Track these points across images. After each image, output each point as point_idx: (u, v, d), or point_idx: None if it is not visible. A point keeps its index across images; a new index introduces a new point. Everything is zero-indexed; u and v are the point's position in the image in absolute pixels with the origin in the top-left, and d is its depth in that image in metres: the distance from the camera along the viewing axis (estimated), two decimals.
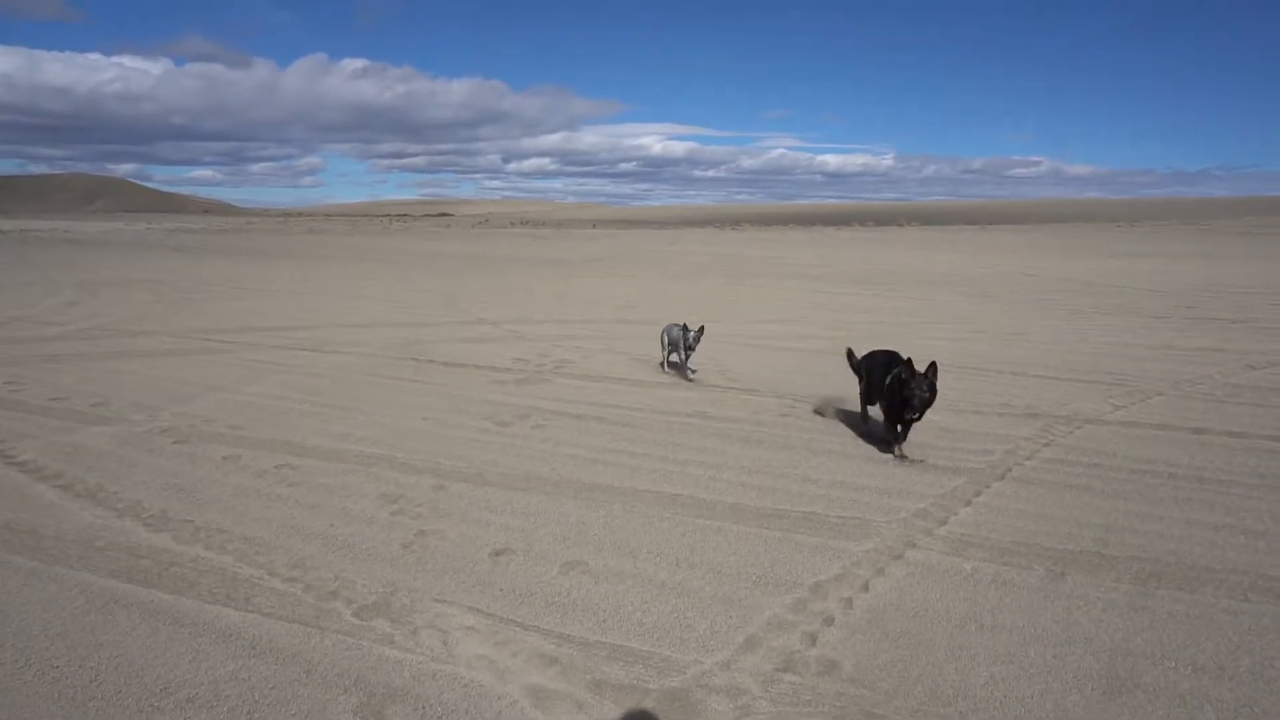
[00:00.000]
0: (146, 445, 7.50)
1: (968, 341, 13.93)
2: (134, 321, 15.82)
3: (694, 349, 10.46)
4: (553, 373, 10.91)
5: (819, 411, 9.00)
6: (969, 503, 6.24)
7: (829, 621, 4.47)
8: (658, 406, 9.11)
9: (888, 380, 7.33)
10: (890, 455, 7.36)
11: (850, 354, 8.95)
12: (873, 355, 8.20)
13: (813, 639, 4.29)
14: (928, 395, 7.02)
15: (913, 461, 7.16)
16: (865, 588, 4.86)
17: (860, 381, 8.35)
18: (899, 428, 7.38)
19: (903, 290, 22.77)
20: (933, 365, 7.08)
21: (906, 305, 19.17)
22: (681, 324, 10.87)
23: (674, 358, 10.94)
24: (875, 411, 8.05)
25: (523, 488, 6.47)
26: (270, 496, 6.24)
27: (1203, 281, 25.25)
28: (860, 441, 7.79)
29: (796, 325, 15.55)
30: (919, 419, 7.27)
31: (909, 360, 7.13)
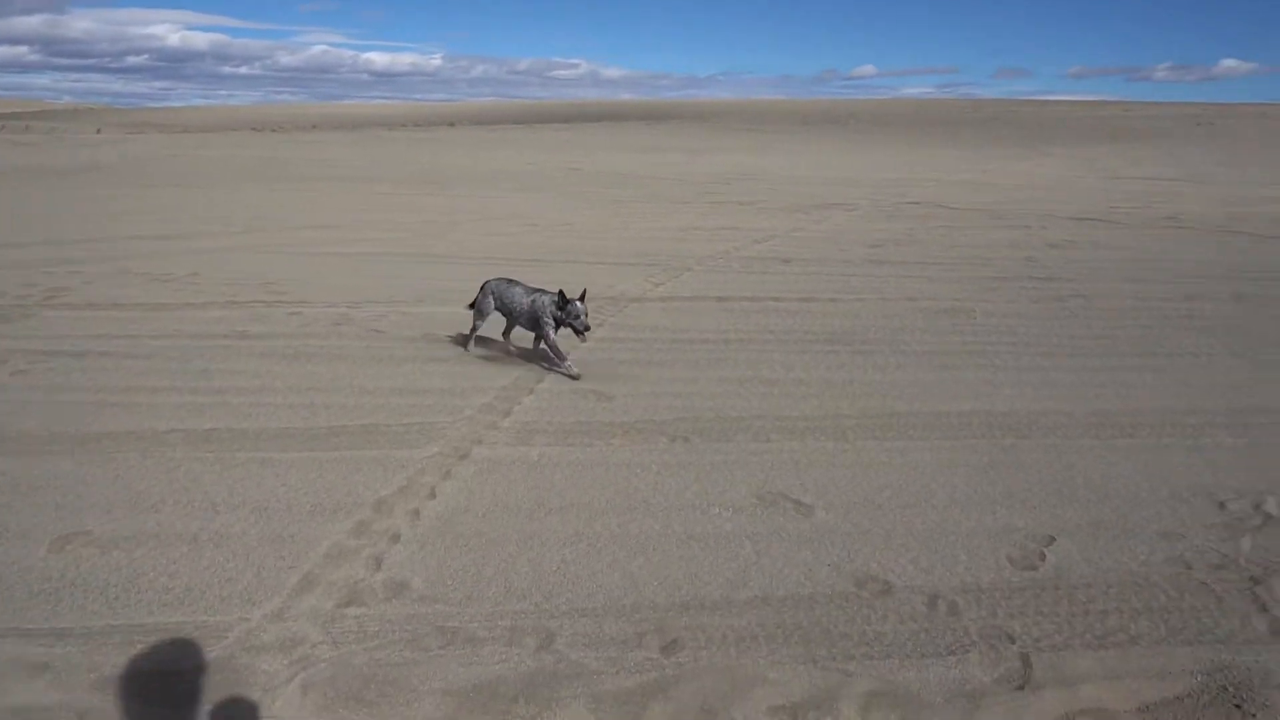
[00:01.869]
0: None
1: (522, 235, 14.16)
2: None
3: (583, 328, 6.35)
4: (41, 305, 8.83)
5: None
6: (532, 390, 6.25)
7: (395, 539, 4.12)
8: (186, 330, 7.81)
9: None
10: None
11: None
12: None
13: (378, 562, 3.92)
14: None
15: None
16: (432, 495, 4.58)
17: None
18: None
19: (456, 189, 22.53)
20: None
21: (460, 204, 18.97)
22: (549, 291, 6.54)
23: (551, 342, 6.51)
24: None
25: None
26: None
27: (717, 171, 28.67)
28: (421, 344, 7.42)
29: (348, 230, 14.52)
30: None
31: None
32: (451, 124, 69.46)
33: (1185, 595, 3.74)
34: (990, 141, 48.56)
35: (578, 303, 6.29)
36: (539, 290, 6.62)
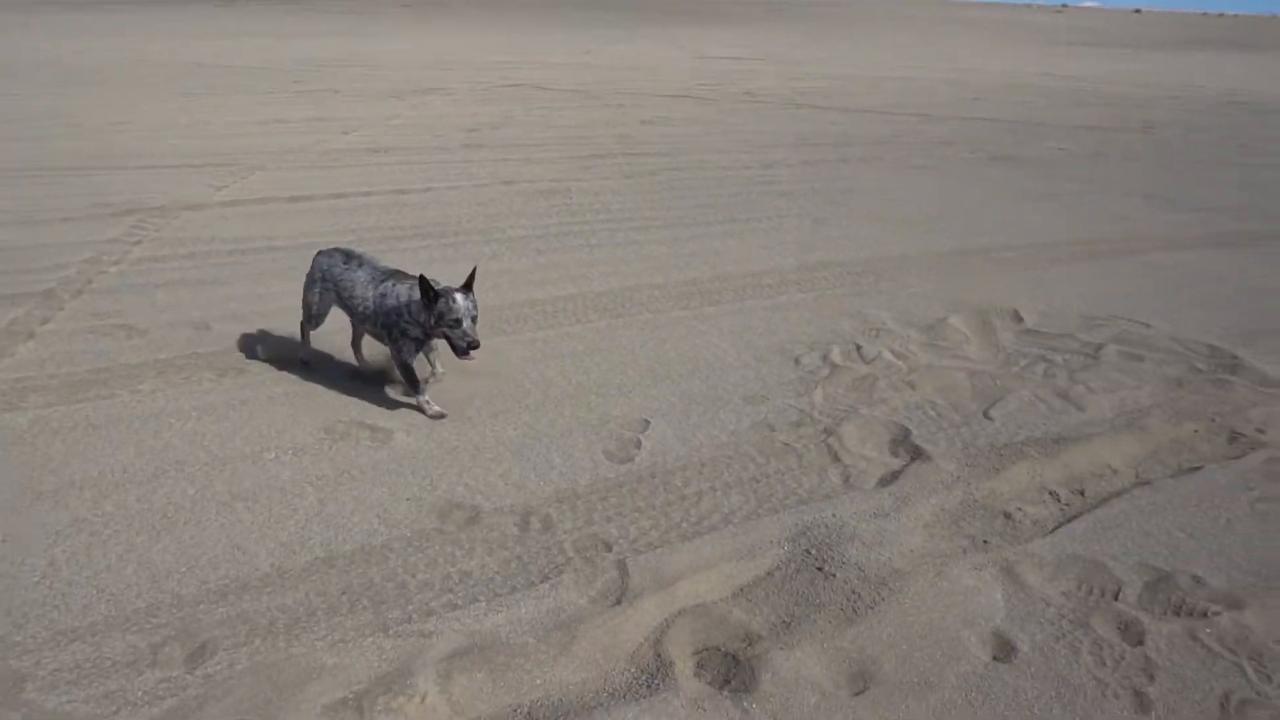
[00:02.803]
0: None
1: (52, 139, 11.37)
2: None
3: (466, 343, 3.77)
4: None
5: None
6: (32, 335, 4.83)
7: None
8: None
9: None
10: None
11: None
12: None
13: None
14: None
15: None
16: None
17: None
18: None
19: None
20: None
21: None
22: (410, 276, 4.02)
23: (403, 363, 4.03)
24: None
25: None
26: None
27: (308, 57, 25.77)
28: None
29: None
30: None
31: None
32: None
33: (771, 460, 3.74)
34: (587, 24, 49.32)
35: (456, 295, 3.72)
36: (395, 274, 4.07)
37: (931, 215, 8.08)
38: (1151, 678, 2.59)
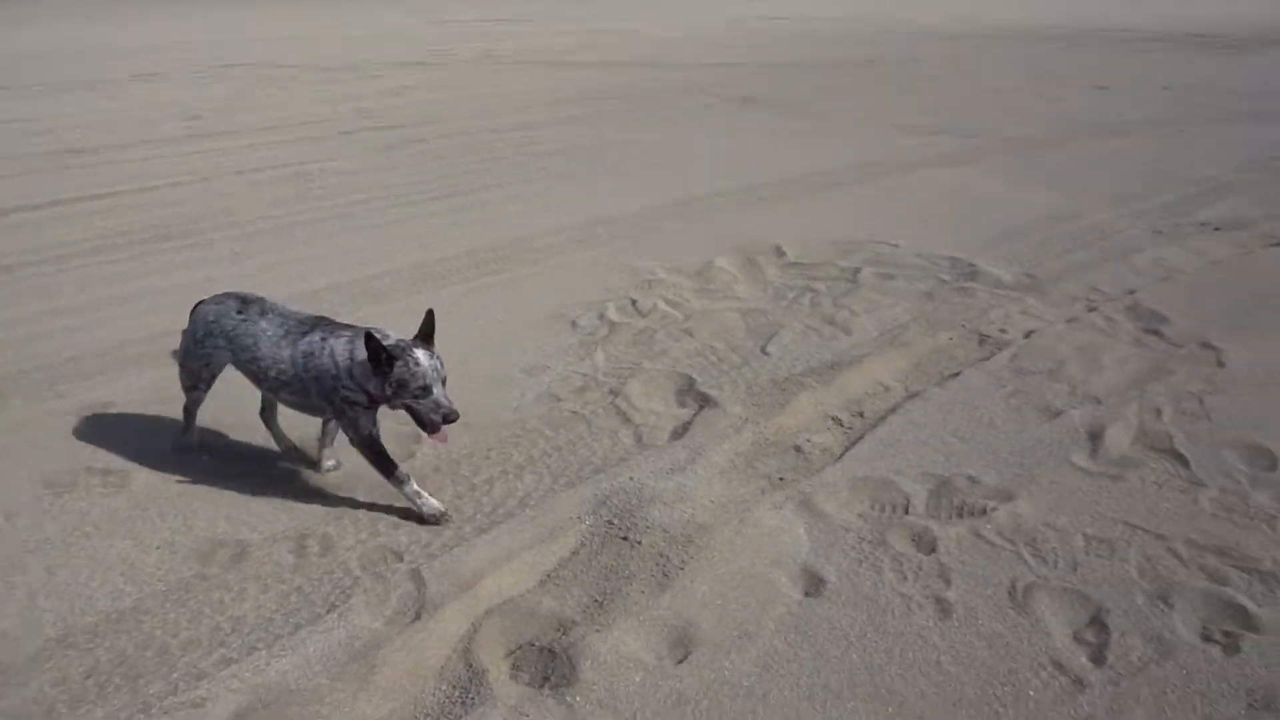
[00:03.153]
0: None
1: None
2: None
3: (440, 412, 2.80)
4: None
5: None
6: None
7: None
8: None
9: None
10: None
11: None
12: None
13: None
14: None
15: None
16: None
17: None
18: None
19: None
20: None
21: None
22: (351, 327, 2.99)
23: (366, 437, 3.02)
24: None
25: None
26: None
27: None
28: None
29: None
30: None
31: None
32: None
33: (560, 431, 3.60)
34: None
35: (418, 353, 2.79)
36: (322, 324, 3.04)
37: (687, 162, 8.19)
38: (948, 582, 2.71)
